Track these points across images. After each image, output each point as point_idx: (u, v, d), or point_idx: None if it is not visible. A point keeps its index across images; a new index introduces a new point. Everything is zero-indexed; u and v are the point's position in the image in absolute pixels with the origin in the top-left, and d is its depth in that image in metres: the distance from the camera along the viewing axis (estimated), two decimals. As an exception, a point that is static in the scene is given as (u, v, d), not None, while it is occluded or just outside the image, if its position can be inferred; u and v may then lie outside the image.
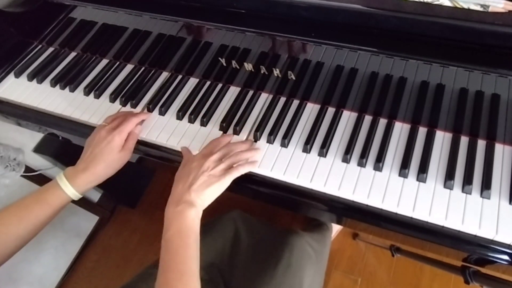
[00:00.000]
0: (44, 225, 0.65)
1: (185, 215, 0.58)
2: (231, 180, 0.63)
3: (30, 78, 0.86)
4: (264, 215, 1.50)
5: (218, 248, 0.87)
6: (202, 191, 0.60)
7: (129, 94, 0.80)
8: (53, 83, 0.84)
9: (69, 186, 0.65)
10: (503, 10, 0.50)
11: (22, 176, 1.23)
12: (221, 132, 0.72)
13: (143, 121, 0.75)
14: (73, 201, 0.67)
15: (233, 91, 0.78)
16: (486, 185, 0.58)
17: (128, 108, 0.79)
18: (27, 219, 0.63)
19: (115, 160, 0.68)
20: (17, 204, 0.64)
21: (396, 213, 0.60)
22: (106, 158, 0.67)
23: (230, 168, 0.63)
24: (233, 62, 0.73)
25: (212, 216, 0.96)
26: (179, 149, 0.71)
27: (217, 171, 0.62)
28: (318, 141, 0.68)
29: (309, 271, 0.86)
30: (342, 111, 0.71)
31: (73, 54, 0.90)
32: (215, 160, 0.63)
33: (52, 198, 0.65)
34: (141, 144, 0.74)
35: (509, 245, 0.56)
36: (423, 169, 0.61)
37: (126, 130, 0.70)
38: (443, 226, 0.58)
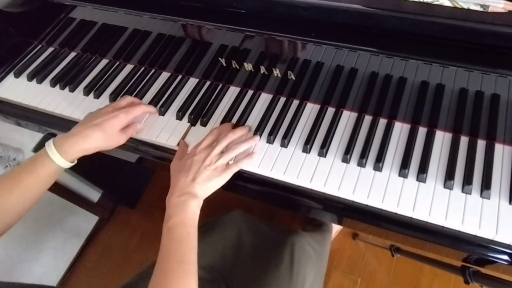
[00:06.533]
0: (38, 196, 0.64)
1: (188, 206, 0.59)
2: (232, 174, 0.65)
3: (30, 78, 0.86)
4: (264, 215, 1.50)
5: (219, 249, 0.87)
6: (206, 183, 0.62)
7: (128, 94, 0.80)
8: (53, 83, 0.84)
9: (56, 153, 0.63)
10: (503, 10, 0.50)
11: (22, 176, 1.23)
12: (221, 132, 0.72)
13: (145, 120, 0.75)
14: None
15: (233, 91, 0.78)
16: (486, 185, 0.58)
17: (128, 108, 0.79)
18: (17, 190, 0.61)
19: (111, 136, 0.67)
20: (7, 174, 0.62)
21: (396, 213, 0.60)
22: (105, 129, 0.66)
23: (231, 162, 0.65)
24: (233, 62, 0.73)
25: (212, 216, 0.96)
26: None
27: (219, 166, 0.64)
28: (318, 141, 0.68)
29: (310, 271, 0.85)
30: (342, 111, 0.71)
31: (73, 54, 0.90)
32: (216, 154, 0.64)
33: (41, 166, 0.63)
34: (141, 144, 0.74)
35: (509, 245, 0.56)
36: (423, 169, 0.61)
37: (133, 113, 0.71)
38: (443, 226, 0.58)
